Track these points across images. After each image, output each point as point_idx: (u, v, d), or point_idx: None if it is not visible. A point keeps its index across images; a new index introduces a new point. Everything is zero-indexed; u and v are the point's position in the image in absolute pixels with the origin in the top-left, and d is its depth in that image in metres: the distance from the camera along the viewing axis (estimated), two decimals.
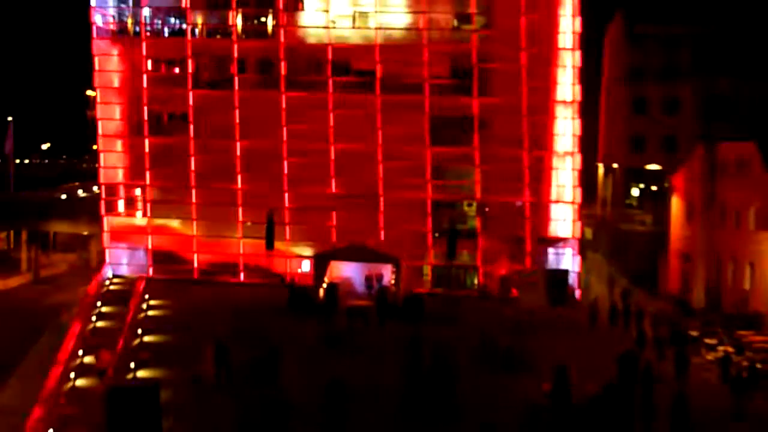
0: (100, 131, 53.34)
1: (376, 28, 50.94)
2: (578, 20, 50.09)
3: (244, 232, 51.53)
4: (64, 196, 77.31)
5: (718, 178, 46.84)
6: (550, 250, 50.25)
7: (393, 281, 43.88)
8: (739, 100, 57.45)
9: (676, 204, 52.03)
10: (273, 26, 52.34)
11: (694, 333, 38.25)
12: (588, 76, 54.80)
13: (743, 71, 62.51)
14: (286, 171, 51.15)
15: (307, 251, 50.41)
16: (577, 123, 50.28)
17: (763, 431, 27.43)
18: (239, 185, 51.63)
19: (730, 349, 35.07)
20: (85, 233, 69.65)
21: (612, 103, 69.78)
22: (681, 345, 34.63)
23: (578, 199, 50.77)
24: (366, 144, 50.47)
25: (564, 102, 50.35)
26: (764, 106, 55.47)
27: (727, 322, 39.74)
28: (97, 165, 55.48)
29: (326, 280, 44.15)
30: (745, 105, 57.14)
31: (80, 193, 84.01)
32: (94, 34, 52.31)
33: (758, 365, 31.76)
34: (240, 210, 51.63)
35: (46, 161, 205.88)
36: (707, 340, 37.28)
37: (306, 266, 50.09)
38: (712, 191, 47.19)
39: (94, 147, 56.94)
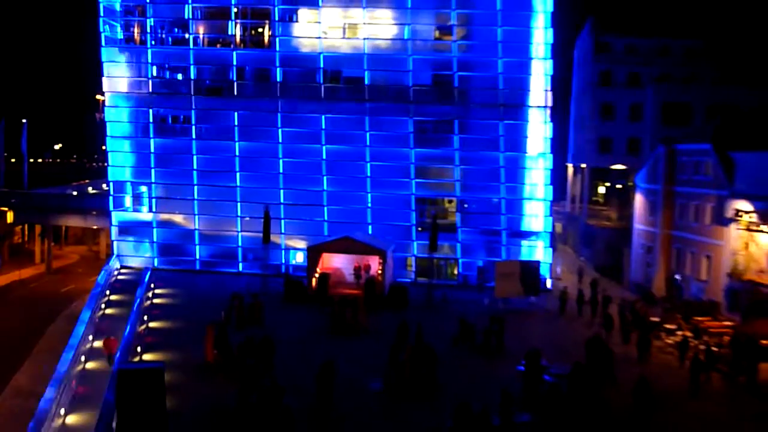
0: (108, 132, 53.04)
1: (364, 39, 50.89)
2: (550, 32, 50.25)
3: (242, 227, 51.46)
4: (75, 193, 76.73)
5: (678, 177, 47.18)
6: (524, 243, 50.51)
7: (380, 271, 43.89)
8: (697, 106, 57.97)
9: (639, 201, 52.28)
10: (269, 36, 52.12)
11: (656, 319, 38.48)
12: (559, 82, 55.03)
13: (702, 80, 63.01)
14: (281, 170, 51.11)
15: (301, 244, 50.42)
16: (549, 126, 50.42)
17: (718, 407, 27.62)
18: (238, 183, 51.54)
19: (689, 334, 35.32)
20: (95, 227, 69.34)
21: (581, 107, 70.07)
22: (644, 330, 34.79)
23: (549, 197, 50.98)
24: (355, 146, 50.55)
25: (537, 107, 50.49)
26: (720, 111, 55.83)
27: (686, 309, 39.99)
28: (105, 164, 55.24)
29: (318, 270, 44.12)
30: (703, 111, 57.68)
31: (90, 190, 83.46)
32: (103, 43, 52.02)
33: (713, 348, 32.01)
34: (239, 206, 51.54)
35: (59, 160, 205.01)
36: (667, 326, 37.52)
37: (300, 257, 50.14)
38: (671, 189, 47.54)
39: (103, 147, 56.57)
